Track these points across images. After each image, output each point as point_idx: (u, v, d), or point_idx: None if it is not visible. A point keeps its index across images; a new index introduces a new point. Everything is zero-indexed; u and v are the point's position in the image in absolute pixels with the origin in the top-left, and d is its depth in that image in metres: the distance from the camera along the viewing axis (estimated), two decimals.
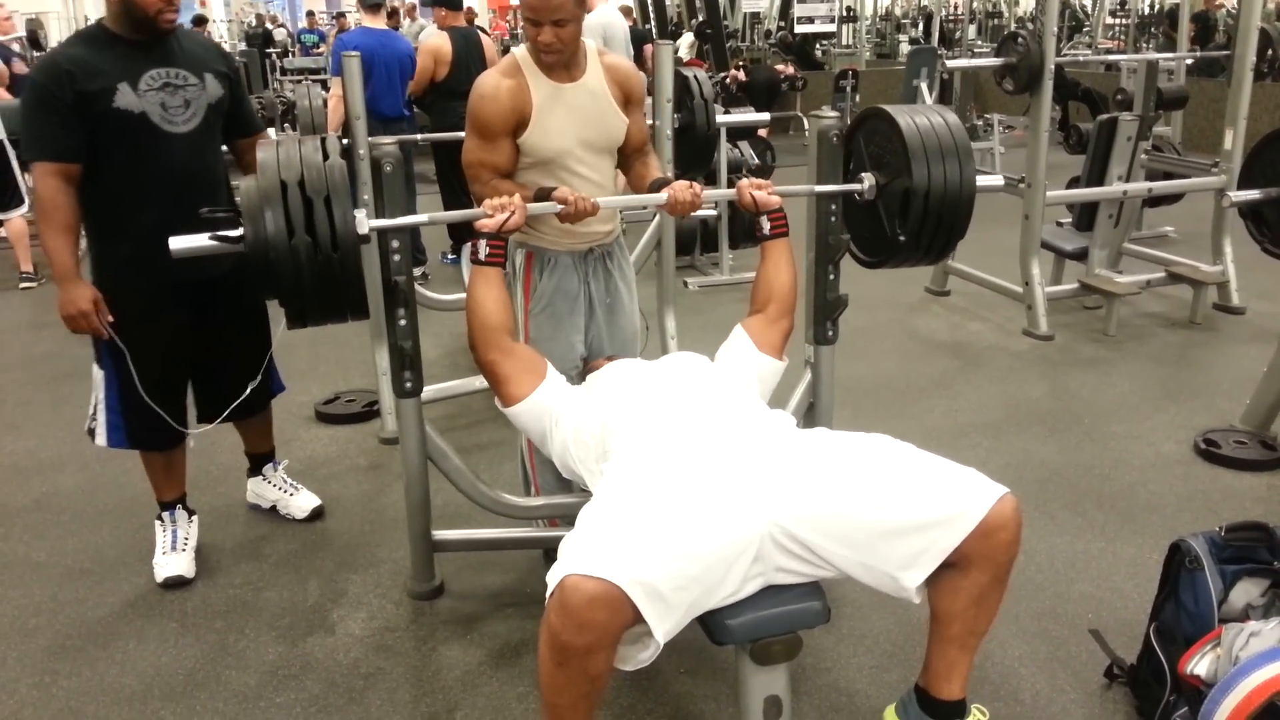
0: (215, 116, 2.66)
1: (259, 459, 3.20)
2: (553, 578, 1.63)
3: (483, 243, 2.21)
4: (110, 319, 2.56)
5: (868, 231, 2.51)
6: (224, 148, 2.80)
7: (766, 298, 2.38)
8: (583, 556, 1.63)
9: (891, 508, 1.77)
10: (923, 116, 2.33)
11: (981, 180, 2.34)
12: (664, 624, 1.64)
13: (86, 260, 2.70)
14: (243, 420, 3.03)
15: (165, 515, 2.89)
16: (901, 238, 2.37)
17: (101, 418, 2.73)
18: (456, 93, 5.99)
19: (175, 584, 2.78)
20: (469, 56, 6.02)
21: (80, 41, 2.60)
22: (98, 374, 2.71)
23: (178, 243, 2.08)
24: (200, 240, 2.09)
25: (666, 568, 1.64)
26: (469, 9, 16.02)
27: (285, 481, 3.20)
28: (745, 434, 1.98)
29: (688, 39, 12.41)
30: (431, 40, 6.03)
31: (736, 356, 2.31)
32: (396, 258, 2.28)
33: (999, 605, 1.88)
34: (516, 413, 2.24)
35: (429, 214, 2.39)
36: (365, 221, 2.12)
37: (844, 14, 14.37)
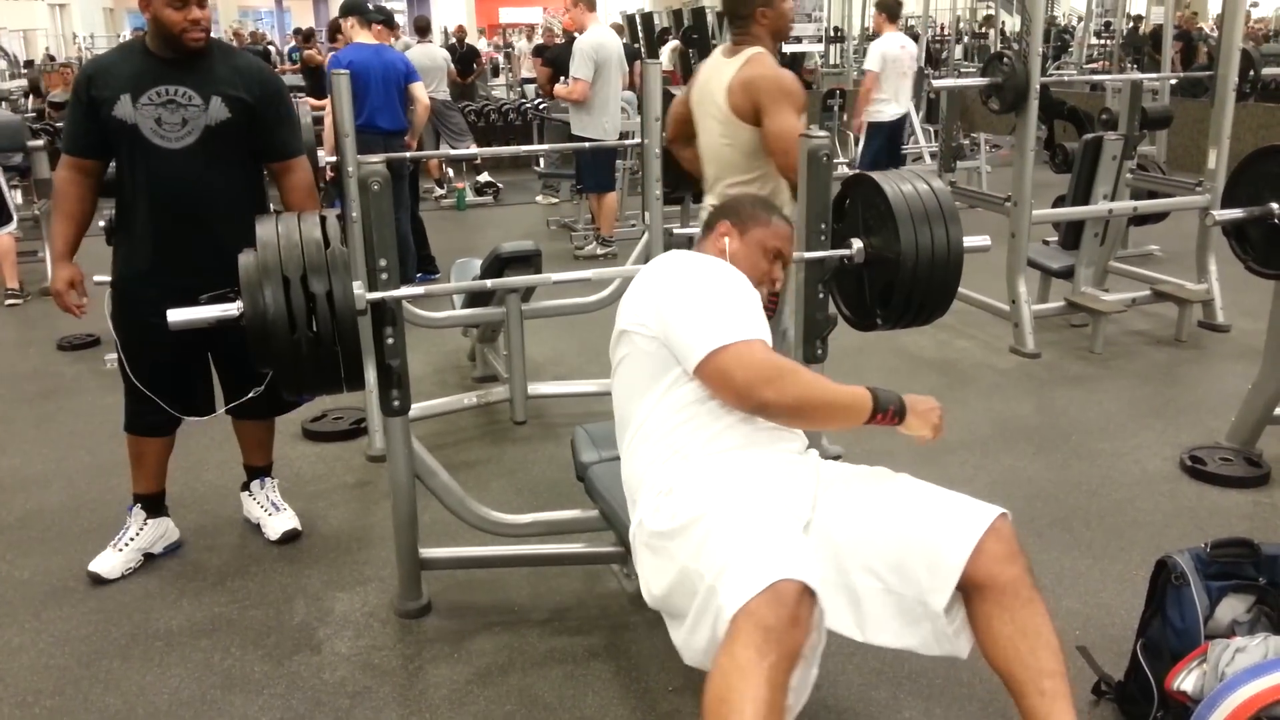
0: (217, 138, 2.67)
1: (252, 472, 3.20)
2: (741, 589, 1.59)
3: None
4: (81, 303, 2.80)
5: (857, 292, 2.53)
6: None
7: None
8: (771, 564, 1.62)
9: (901, 534, 1.83)
10: (908, 184, 2.36)
11: (968, 241, 2.36)
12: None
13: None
14: (252, 420, 3.07)
15: (128, 510, 2.97)
16: (880, 319, 2.47)
17: (124, 405, 2.89)
18: None
19: (94, 581, 2.86)
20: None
21: (119, 50, 2.88)
22: (118, 369, 2.83)
23: (175, 315, 2.12)
24: (198, 313, 2.12)
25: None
26: (460, 27, 16.13)
27: (268, 501, 3.18)
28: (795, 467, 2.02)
29: (671, 45, 12.44)
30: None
31: None
32: (384, 276, 2.28)
33: (1052, 634, 1.81)
34: None
35: (453, 283, 2.45)
36: (364, 296, 2.17)
37: (831, 34, 14.46)
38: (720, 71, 3.05)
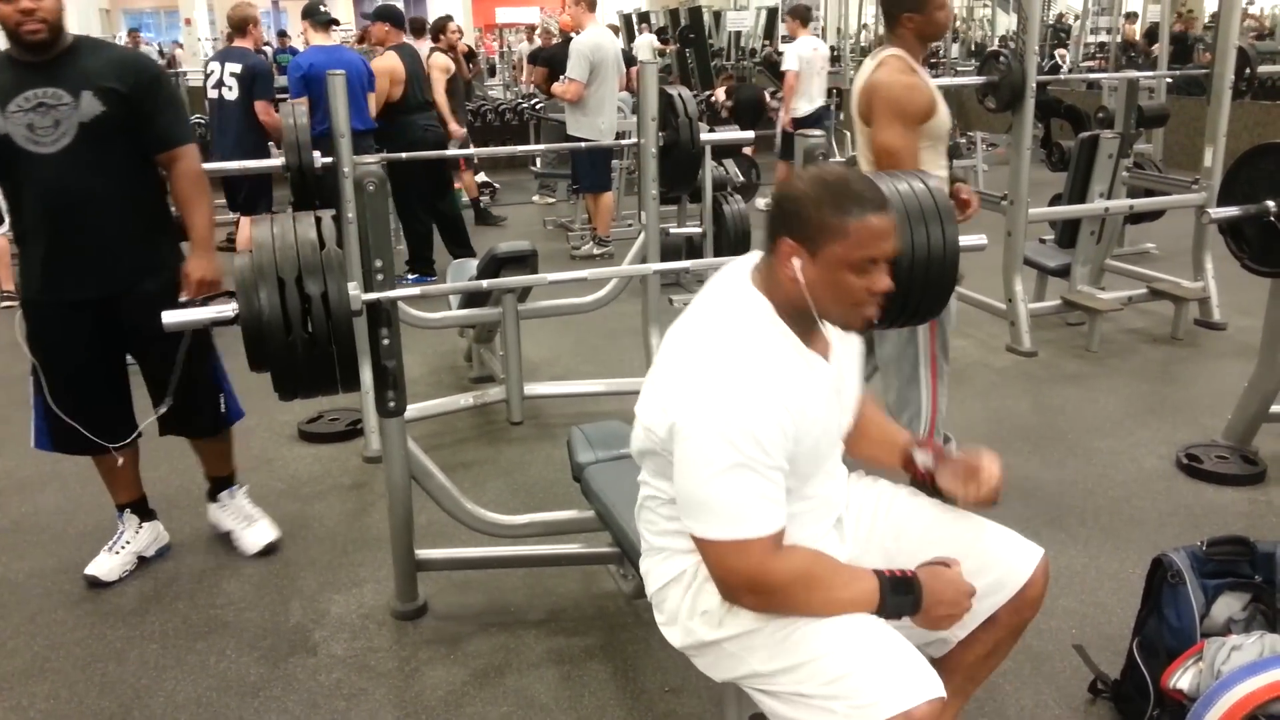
0: (94, 135, 2.52)
1: (216, 483, 3.08)
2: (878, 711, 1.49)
3: None
4: None
5: None
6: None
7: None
8: (900, 685, 1.51)
9: None
10: (903, 183, 2.36)
11: (964, 240, 2.36)
12: None
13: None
14: (193, 440, 2.98)
15: (118, 517, 2.96)
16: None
17: (32, 420, 2.82)
18: (410, 109, 6.04)
19: (91, 584, 2.85)
20: (416, 74, 6.08)
21: None
22: (30, 378, 2.76)
23: (170, 317, 2.11)
24: (193, 314, 2.12)
25: None
26: (458, 27, 16.11)
27: (241, 511, 3.06)
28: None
29: (647, 40, 12.36)
30: (386, 61, 6.01)
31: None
32: (380, 277, 2.28)
33: (1004, 660, 1.86)
34: None
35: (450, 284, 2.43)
36: (359, 296, 2.17)
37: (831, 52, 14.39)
38: (860, 76, 3.02)
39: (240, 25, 6.17)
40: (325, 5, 5.91)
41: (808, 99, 7.81)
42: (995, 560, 1.77)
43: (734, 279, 1.70)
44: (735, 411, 1.53)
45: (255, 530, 3.04)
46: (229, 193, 6.43)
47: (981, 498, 1.77)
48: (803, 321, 1.65)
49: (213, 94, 6.00)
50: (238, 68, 5.86)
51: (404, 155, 5.55)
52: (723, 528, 1.56)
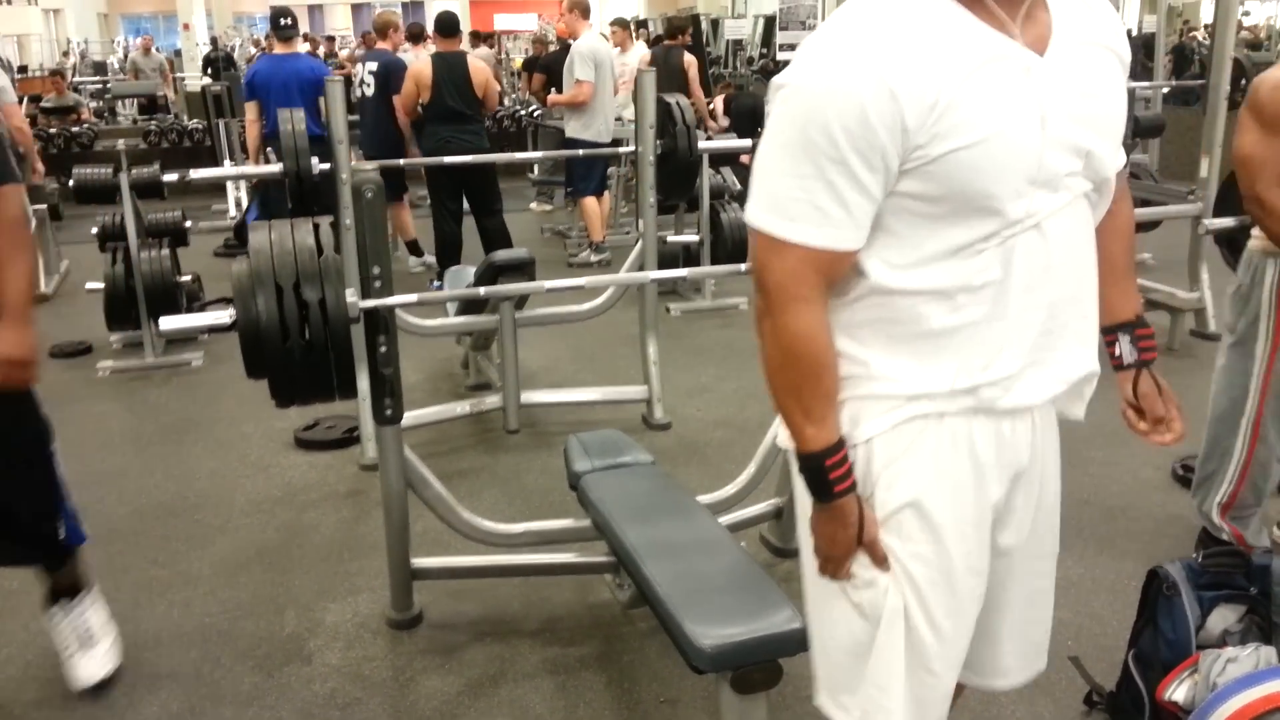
0: None
1: (51, 593, 2.46)
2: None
3: None
4: None
5: None
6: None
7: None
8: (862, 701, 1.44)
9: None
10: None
11: None
12: None
13: None
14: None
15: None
16: None
17: None
18: (437, 117, 6.04)
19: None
20: (450, 81, 6.07)
21: None
22: None
23: (167, 323, 2.10)
24: (189, 320, 2.11)
25: None
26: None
27: (73, 630, 2.43)
28: None
29: (638, 51, 12.39)
30: (413, 65, 6.24)
31: None
32: (377, 284, 2.28)
33: None
34: None
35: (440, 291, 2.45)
36: (357, 304, 2.17)
37: None
38: None
39: (382, 29, 7.03)
40: (287, 18, 6.32)
41: None
42: (1012, 656, 1.68)
43: None
44: (811, 87, 1.20)
45: (87, 659, 2.41)
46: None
47: (1155, 440, 1.60)
48: None
49: (357, 93, 6.56)
50: (375, 66, 6.40)
51: (401, 162, 5.60)
52: (762, 213, 1.27)
